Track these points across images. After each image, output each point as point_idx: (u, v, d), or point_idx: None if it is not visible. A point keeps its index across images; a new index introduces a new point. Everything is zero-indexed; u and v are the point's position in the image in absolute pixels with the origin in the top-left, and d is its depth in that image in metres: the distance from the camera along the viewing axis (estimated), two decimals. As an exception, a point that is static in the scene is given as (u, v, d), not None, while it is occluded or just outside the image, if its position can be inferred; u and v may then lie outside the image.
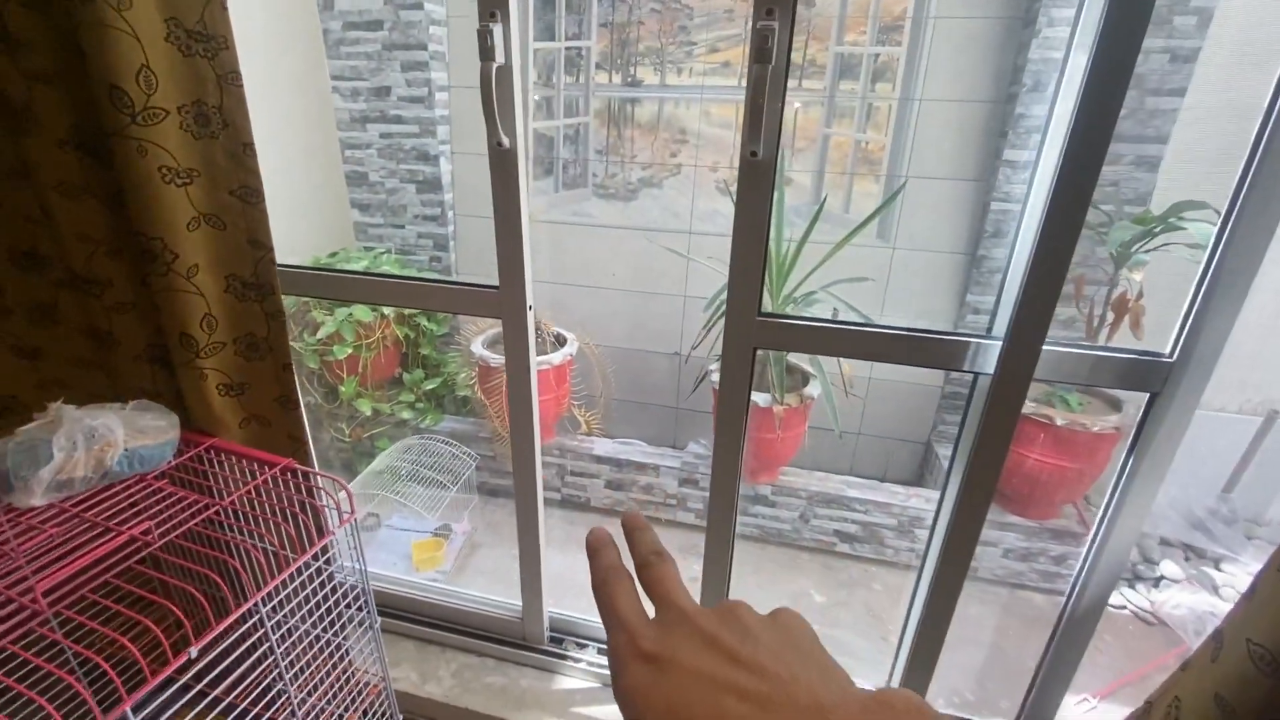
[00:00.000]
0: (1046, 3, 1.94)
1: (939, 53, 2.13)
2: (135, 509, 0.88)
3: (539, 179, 2.66)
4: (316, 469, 1.09)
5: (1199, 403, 0.97)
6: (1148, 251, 1.77)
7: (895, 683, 1.26)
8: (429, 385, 2.55)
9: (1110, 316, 1.83)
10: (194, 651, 0.72)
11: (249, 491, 0.95)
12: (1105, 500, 1.06)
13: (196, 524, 0.87)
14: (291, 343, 2.33)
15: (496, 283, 1.13)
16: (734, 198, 0.97)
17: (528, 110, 2.56)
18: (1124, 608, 2.05)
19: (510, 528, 1.33)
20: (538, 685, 1.43)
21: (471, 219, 2.71)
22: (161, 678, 0.69)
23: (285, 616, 0.97)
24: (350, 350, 2.31)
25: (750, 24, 0.87)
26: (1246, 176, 0.84)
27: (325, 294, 1.21)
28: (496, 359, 2.27)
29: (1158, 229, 1.73)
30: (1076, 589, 1.12)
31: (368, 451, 2.52)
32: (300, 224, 2.66)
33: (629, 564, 0.31)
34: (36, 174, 0.92)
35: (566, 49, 2.50)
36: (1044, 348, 0.92)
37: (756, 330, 1.04)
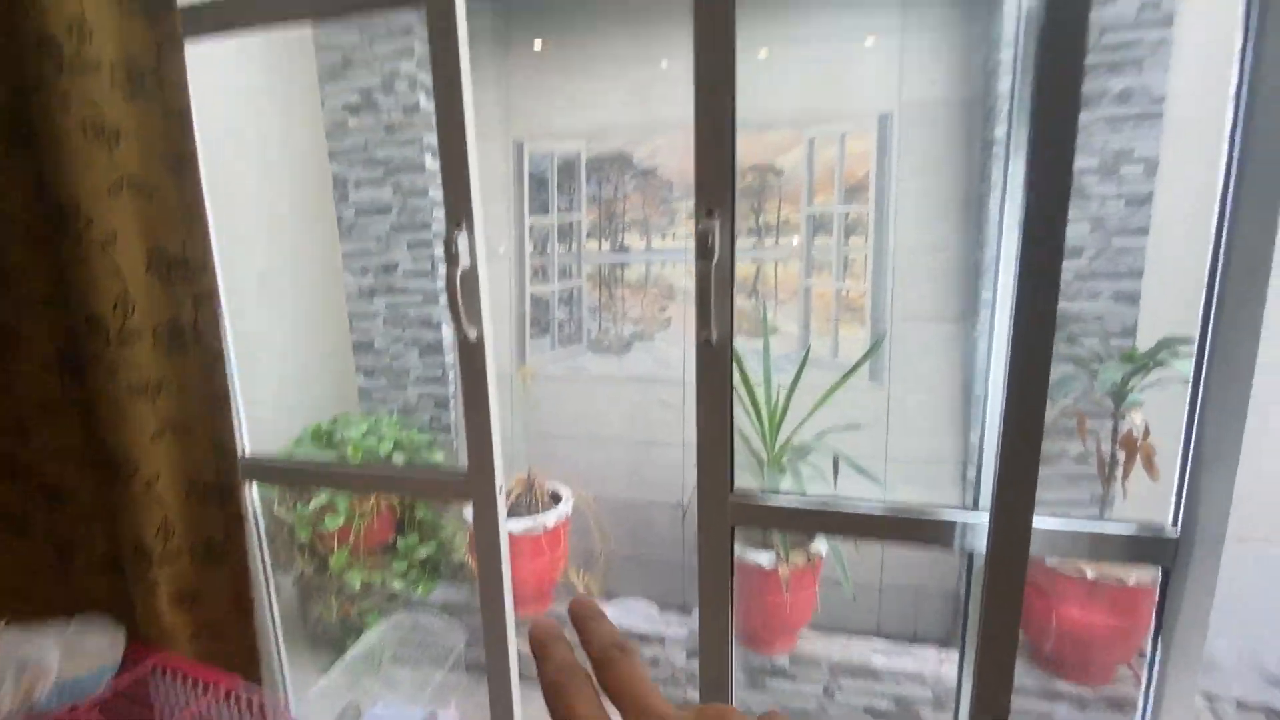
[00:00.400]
0: (995, 161, 2.08)
1: (904, 208, 2.26)
2: (52, 754, 0.80)
3: (536, 338, 2.75)
4: (276, 683, 1.01)
5: (1219, 566, 0.89)
6: (1142, 391, 1.73)
7: None
8: (423, 551, 2.46)
9: (1121, 455, 1.75)
10: None
11: (193, 717, 0.87)
12: (1146, 670, 0.93)
13: (114, 772, 0.78)
14: (284, 515, 2.25)
15: (465, 465, 1.12)
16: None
17: (525, 276, 2.72)
18: (1215, 794, 1.76)
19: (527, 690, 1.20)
20: None
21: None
22: None
23: None
24: (342, 520, 2.26)
25: (693, 223, 0.92)
26: (1209, 315, 0.83)
27: (298, 482, 1.20)
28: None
29: (1148, 366, 1.71)
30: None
31: (356, 627, 2.38)
32: (308, 391, 2.74)
33: (583, 660, 0.26)
34: (18, 393, 0.95)
35: (559, 223, 2.70)
36: (1036, 522, 0.85)
37: (730, 511, 0.99)
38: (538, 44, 2.60)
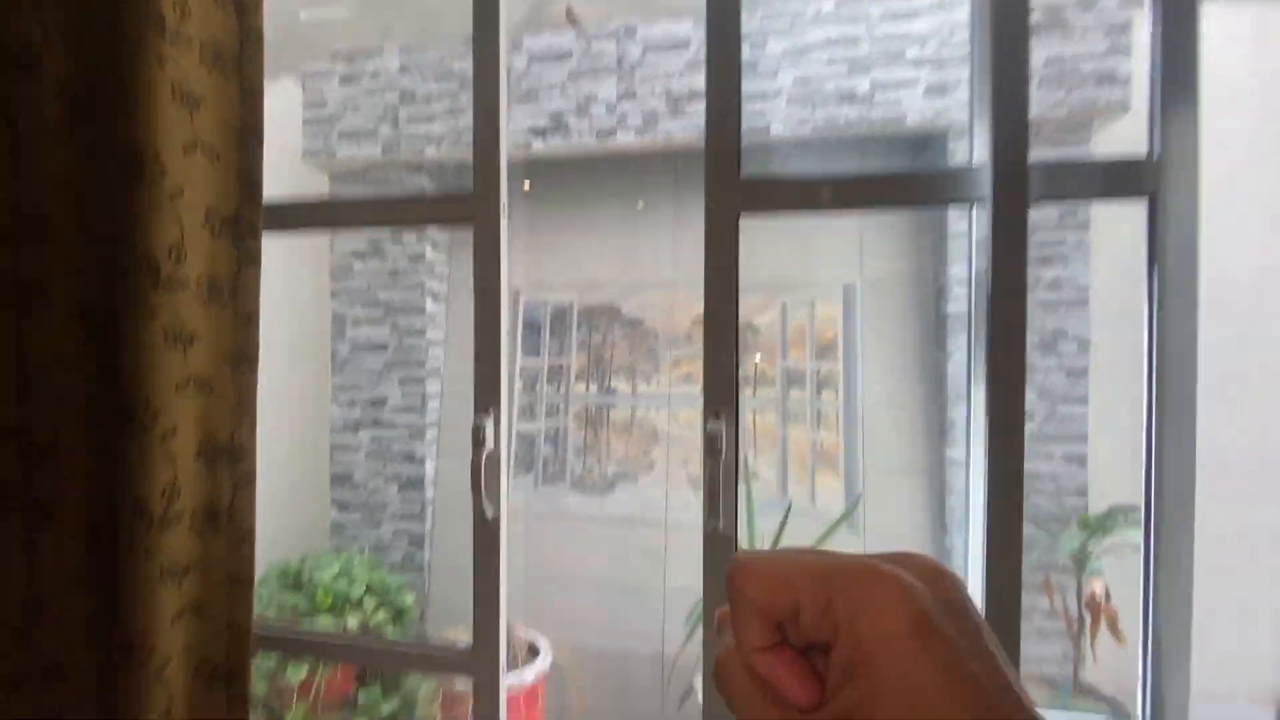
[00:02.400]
0: (950, 331, 2.33)
1: (870, 368, 2.47)
2: None
3: (519, 475, 2.78)
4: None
5: (1197, 690, 0.95)
6: (1101, 556, 1.85)
7: None
8: (386, 707, 2.31)
9: (1087, 616, 1.83)
10: None
11: None
12: None
13: None
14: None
15: (469, 640, 1.13)
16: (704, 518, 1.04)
17: (513, 414, 2.80)
18: None
19: None
20: None
21: (450, 516, 2.76)
22: None
23: None
24: (304, 672, 2.13)
25: (702, 421, 1.04)
26: (1150, 488, 0.94)
27: (296, 653, 1.18)
28: (465, 683, 2.10)
29: (1102, 532, 1.84)
30: None
31: (304, 799, 2.17)
32: (277, 523, 2.67)
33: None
34: None
35: (549, 366, 2.84)
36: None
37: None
38: (526, 184, 2.82)
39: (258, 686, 2.14)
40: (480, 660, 1.12)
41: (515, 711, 2.05)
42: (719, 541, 1.01)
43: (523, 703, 2.05)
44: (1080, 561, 1.83)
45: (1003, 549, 0.95)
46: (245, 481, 0.98)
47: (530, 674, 2.11)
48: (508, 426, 1.15)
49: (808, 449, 2.54)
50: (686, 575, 2.50)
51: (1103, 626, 1.80)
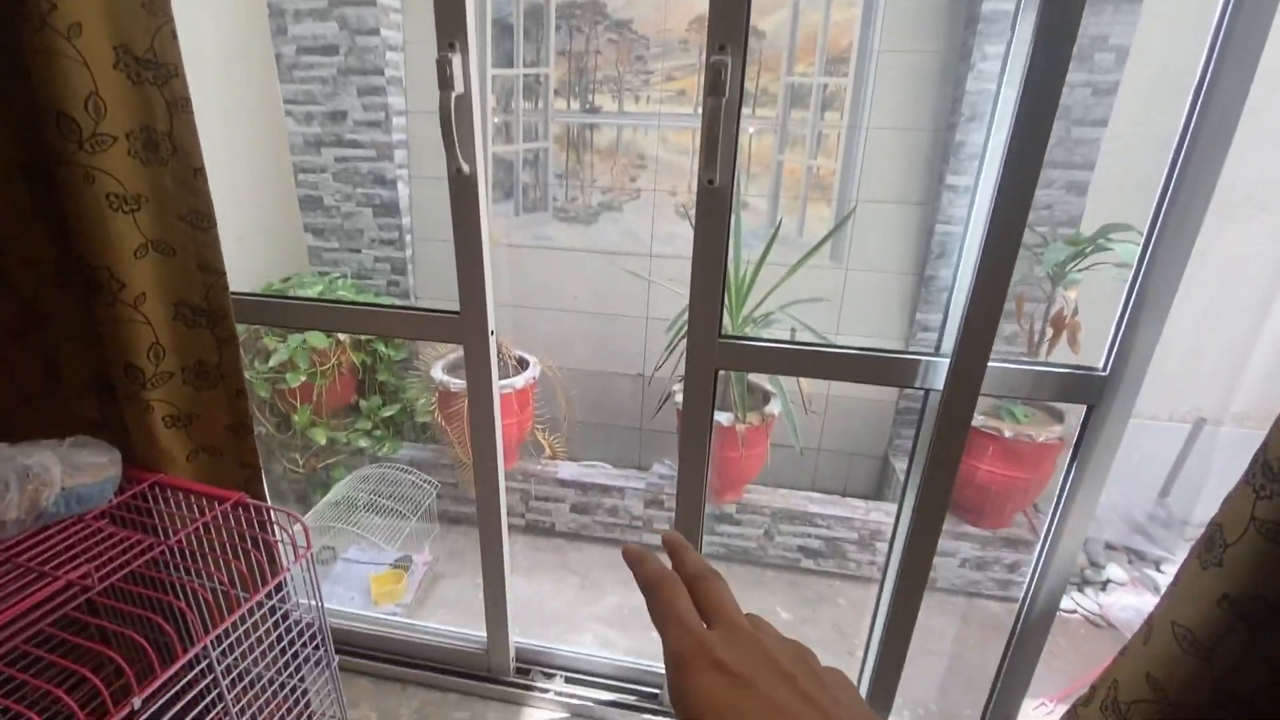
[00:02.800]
0: (980, 39, 2.06)
1: (883, 84, 2.24)
2: (73, 552, 0.83)
3: (499, 202, 2.66)
4: (268, 500, 1.06)
5: (1132, 411, 1.03)
6: (1080, 270, 1.87)
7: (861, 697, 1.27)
8: (387, 412, 2.50)
9: (1050, 332, 1.93)
10: (137, 703, 0.68)
11: (196, 529, 0.91)
12: (1052, 508, 1.11)
13: (139, 565, 0.82)
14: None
15: (457, 307, 1.13)
16: (692, 222, 0.99)
17: (487, 135, 2.57)
18: (1074, 612, 2.13)
19: (474, 556, 1.30)
20: (505, 719, 1.39)
21: (430, 243, 2.69)
22: (102, 733, 0.65)
23: (237, 659, 0.93)
24: (304, 378, 2.24)
25: (704, 56, 0.90)
26: (1163, 203, 0.91)
27: (281, 322, 1.19)
28: (457, 384, 2.23)
29: (1088, 249, 1.84)
30: (1029, 595, 1.16)
31: (323, 482, 2.44)
32: (253, 249, 2.59)
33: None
34: None
35: (525, 75, 2.52)
36: (989, 364, 0.96)
37: (718, 353, 1.06)
38: None
39: (260, 391, 2.25)
40: (468, 323, 1.13)
41: (508, 409, 2.22)
42: (713, 196, 0.95)
43: (515, 401, 2.22)
44: (1058, 276, 1.87)
45: (992, 276, 0.91)
46: (182, 105, 0.86)
47: (520, 381, 2.25)
48: (479, 70, 1.00)
49: (802, 176, 2.42)
50: (670, 305, 2.55)
51: (1063, 341, 1.90)
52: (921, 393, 1.09)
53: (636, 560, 0.31)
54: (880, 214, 2.34)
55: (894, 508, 2.27)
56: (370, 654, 1.48)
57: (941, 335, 1.07)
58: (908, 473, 1.16)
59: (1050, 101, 0.84)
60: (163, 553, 0.86)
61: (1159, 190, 0.92)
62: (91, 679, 0.67)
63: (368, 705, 1.41)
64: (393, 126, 2.46)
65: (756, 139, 2.44)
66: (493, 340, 1.14)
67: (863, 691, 1.28)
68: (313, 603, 0.98)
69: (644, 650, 1.38)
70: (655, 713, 1.38)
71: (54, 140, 0.80)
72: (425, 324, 1.15)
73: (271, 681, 0.98)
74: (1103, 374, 0.98)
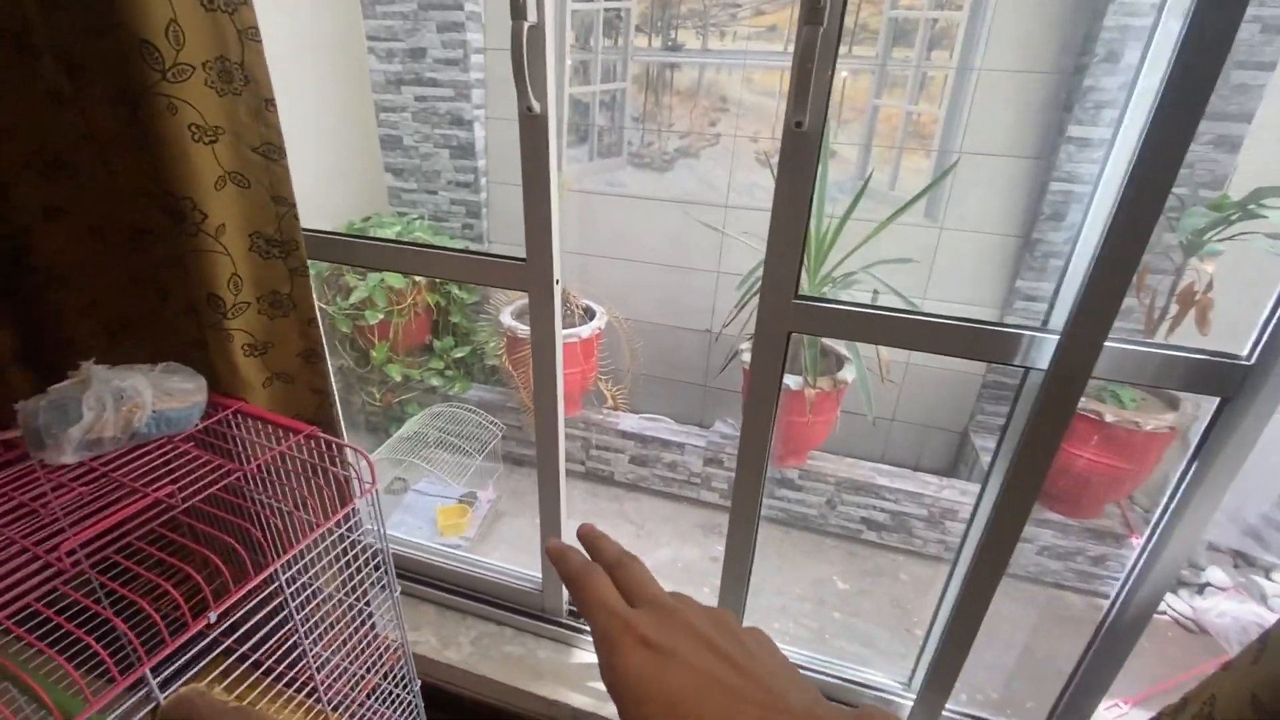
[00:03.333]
0: (1127, -37, 1.78)
1: (1003, 18, 1.98)
2: (160, 471, 0.89)
3: (573, 146, 2.60)
4: (341, 432, 1.09)
5: (1277, 409, 0.89)
6: (1222, 240, 1.64)
7: (919, 677, 1.22)
8: (458, 353, 2.56)
9: (1174, 309, 1.71)
10: (213, 616, 0.73)
11: (273, 458, 0.95)
12: (1163, 504, 0.99)
13: (219, 489, 0.87)
14: (325, 306, 2.33)
15: (524, 254, 1.10)
16: (774, 171, 0.91)
17: (564, 74, 2.49)
18: (1164, 613, 1.97)
19: (534, 497, 1.33)
20: (555, 657, 1.44)
21: (504, 186, 2.68)
22: (179, 643, 0.69)
23: (308, 581, 0.98)
24: (382, 315, 2.32)
25: (802, -20, 0.80)
26: None
27: (352, 261, 1.20)
28: (524, 330, 2.25)
29: (1235, 216, 1.60)
30: (1123, 594, 1.06)
31: (397, 416, 2.55)
32: (336, 187, 2.66)
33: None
34: (96, 133, 0.92)
35: (605, 10, 2.41)
36: (1106, 344, 0.84)
37: (792, 314, 0.98)
38: None
39: (340, 326, 2.35)
40: (534, 271, 1.10)
41: (572, 357, 2.23)
42: (800, 140, 0.86)
43: (579, 350, 2.22)
44: (1194, 245, 1.64)
45: (1123, 244, 0.77)
46: (251, 35, 0.85)
47: (585, 330, 2.24)
48: (556, 1, 0.93)
49: (900, 123, 2.21)
50: (743, 259, 2.44)
51: (1188, 320, 1.69)
52: (1013, 367, 0.98)
53: (558, 557, 0.32)
54: (986, 168, 2.12)
55: (969, 486, 2.14)
56: (432, 583, 1.56)
57: (1051, 308, 0.95)
58: (996, 452, 1.06)
59: (1225, 35, 0.69)
60: (241, 478, 0.90)
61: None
62: (173, 593, 0.71)
63: (429, 630, 1.49)
64: (470, 65, 2.43)
65: (851, 81, 2.24)
66: (558, 290, 1.11)
67: (921, 672, 1.22)
68: (378, 531, 1.02)
69: (699, 597, 1.39)
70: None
71: (141, 69, 0.81)
72: (491, 270, 1.13)
73: (340, 604, 1.03)
74: (1246, 363, 0.84)
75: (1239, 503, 2.18)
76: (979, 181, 2.14)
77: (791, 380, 1.99)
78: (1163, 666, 1.83)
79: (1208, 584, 2.02)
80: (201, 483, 0.87)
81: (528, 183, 1.02)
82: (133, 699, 0.72)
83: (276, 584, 0.83)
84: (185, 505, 0.83)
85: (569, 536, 1.39)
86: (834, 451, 2.29)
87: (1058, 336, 0.86)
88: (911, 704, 1.23)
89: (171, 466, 0.90)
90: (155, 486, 0.84)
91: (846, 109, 2.26)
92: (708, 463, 2.32)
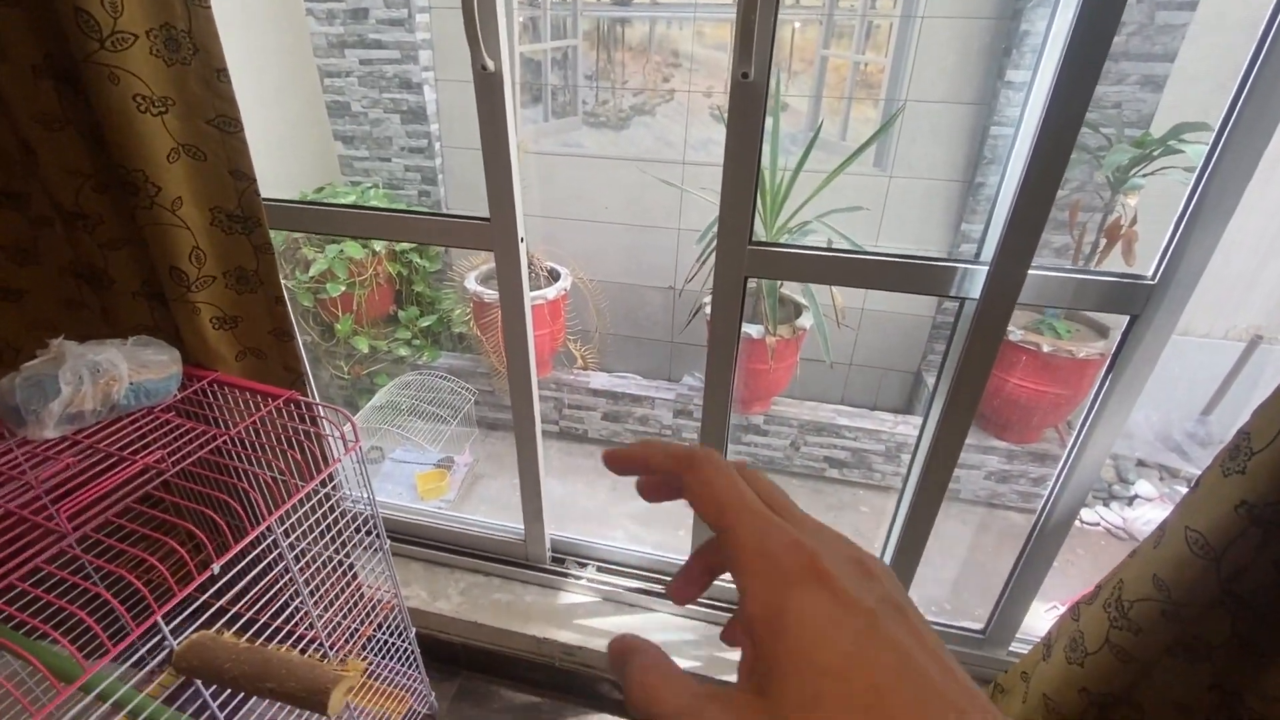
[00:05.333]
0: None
1: (944, -37, 2.03)
2: (145, 440, 0.91)
3: (527, 107, 2.57)
4: (317, 400, 1.12)
5: (1177, 325, 0.99)
6: (1145, 175, 1.75)
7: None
8: (424, 322, 2.56)
9: (1103, 243, 1.83)
10: (217, 568, 0.77)
11: (254, 422, 0.98)
12: (1081, 420, 1.10)
13: (206, 453, 0.90)
14: (285, 280, 2.31)
15: (487, 214, 1.13)
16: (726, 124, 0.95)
17: (513, 32, 2.45)
18: (1098, 524, 2.16)
19: (511, 459, 1.38)
20: (542, 600, 1.52)
21: (460, 151, 2.64)
22: (188, 591, 0.74)
23: (299, 538, 1.03)
24: (343, 288, 2.30)
25: (741, -67, 0.83)
26: (1241, 93, 0.83)
27: (313, 228, 1.21)
28: (490, 294, 2.27)
29: (1156, 152, 1.71)
30: (1049, 505, 1.18)
31: (368, 388, 2.56)
32: (283, 158, 2.59)
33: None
34: (12, 106, 0.90)
35: (552, -36, 2.37)
36: (1030, 272, 0.93)
37: (748, 259, 1.04)
38: None
39: (302, 300, 2.33)
40: (498, 229, 1.13)
41: (540, 319, 2.26)
42: (747, 91, 0.91)
43: (547, 312, 2.25)
44: (1119, 181, 1.75)
45: (1041, 177, 0.85)
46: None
47: (552, 292, 2.27)
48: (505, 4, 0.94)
49: (848, 73, 2.26)
50: (702, 215, 2.49)
51: (1115, 252, 1.81)
52: (957, 304, 1.07)
53: (639, 449, 0.25)
54: (930, 115, 2.19)
55: (920, 420, 2.28)
56: (419, 541, 1.61)
57: (983, 242, 1.03)
58: (936, 383, 1.16)
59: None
60: (226, 443, 0.93)
61: (1238, 79, 0.83)
62: (178, 549, 0.75)
63: (419, 585, 1.55)
64: (416, 25, 2.36)
65: (800, 33, 2.27)
66: (522, 247, 1.15)
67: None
68: (365, 494, 1.07)
69: (669, 545, 1.47)
70: (680, 601, 1.49)
71: (76, 39, 0.80)
72: (456, 230, 1.16)
73: (330, 559, 1.08)
74: (1150, 282, 0.94)
75: (1165, 421, 2.38)
76: (924, 129, 2.21)
77: (753, 329, 2.07)
78: (1097, 571, 2.02)
79: (1136, 495, 2.21)
80: (188, 449, 0.90)
81: (486, 142, 1.04)
82: (146, 647, 0.77)
83: (272, 538, 0.87)
84: (176, 469, 0.86)
85: (548, 492, 1.45)
86: (797, 396, 2.39)
87: (987, 267, 0.95)
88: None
89: (157, 435, 0.92)
90: (144, 454, 0.87)
91: (796, 60, 2.29)
92: (677, 414, 2.41)
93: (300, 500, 0.91)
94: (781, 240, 2.02)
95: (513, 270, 1.16)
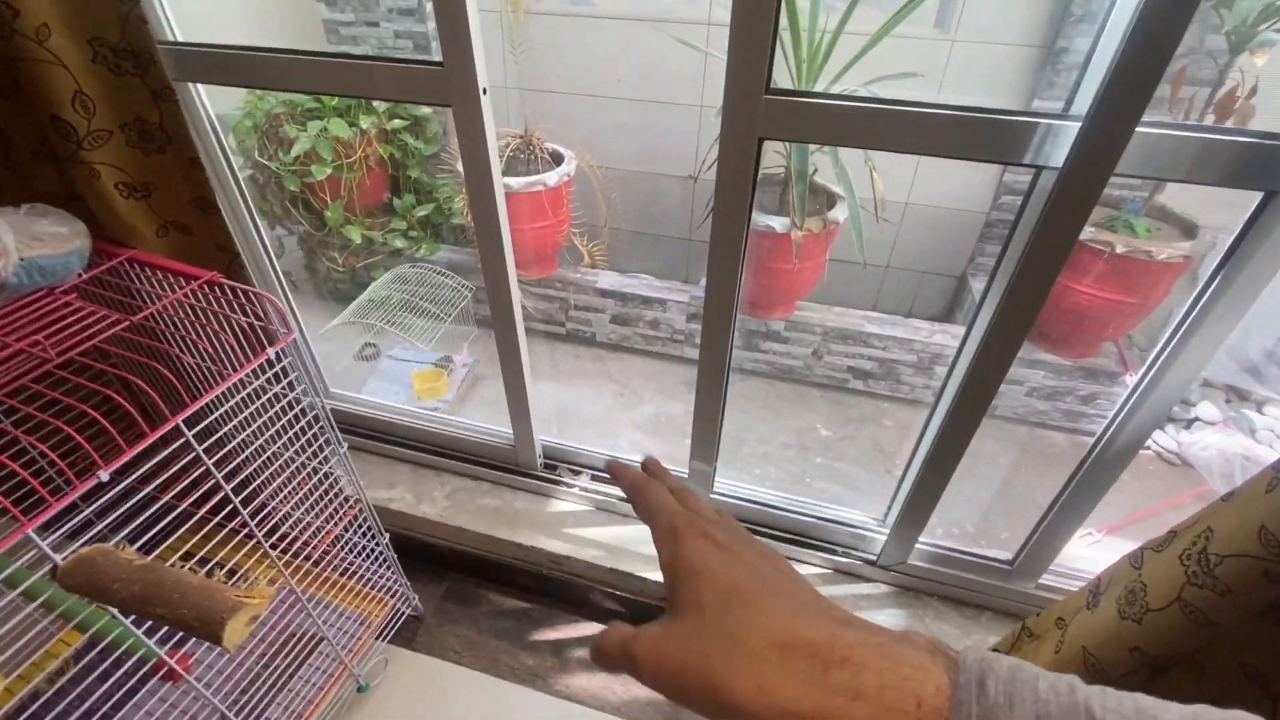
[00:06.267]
0: None
1: None
2: (36, 325, 0.78)
3: (530, -43, 2.21)
4: (251, 282, 0.97)
5: (1322, 208, 0.76)
6: (1278, 29, 1.39)
7: (895, 513, 1.21)
8: (421, 211, 2.37)
9: (1210, 118, 1.51)
10: (104, 475, 0.66)
11: (167, 306, 0.84)
12: (1167, 335, 0.89)
13: (103, 340, 0.77)
14: (265, 161, 2.09)
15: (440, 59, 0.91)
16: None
17: None
18: (1147, 447, 1.97)
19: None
20: (531, 508, 1.43)
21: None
22: (63, 504, 0.62)
23: (230, 433, 0.91)
24: (330, 170, 2.11)
25: None
26: None
27: (237, 80, 1.00)
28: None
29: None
30: (1111, 429, 1.00)
31: (364, 281, 2.42)
32: (261, 20, 2.32)
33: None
34: None
35: None
36: (1138, 129, 0.69)
37: (764, 114, 0.82)
38: None
39: (288, 185, 2.15)
40: (454, 76, 0.91)
41: (540, 209, 2.06)
42: None
43: (546, 201, 2.03)
44: (1242, 39, 1.40)
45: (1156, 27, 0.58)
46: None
47: (553, 178, 2.04)
48: None
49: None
50: (728, 90, 2.17)
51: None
52: (1018, 201, 0.84)
53: (621, 469, 0.36)
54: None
55: (960, 329, 2.06)
56: (408, 443, 1.52)
57: (1074, 92, 0.78)
58: (988, 286, 0.95)
59: None
60: (138, 328, 0.79)
61: None
62: (49, 453, 0.63)
63: (404, 488, 1.48)
64: None
65: None
66: (486, 100, 0.93)
67: (897, 508, 1.21)
68: (310, 383, 0.94)
69: (673, 455, 1.36)
70: (678, 514, 1.38)
71: None
72: (401, 79, 0.95)
73: (278, 457, 0.98)
74: (1307, 144, 0.70)
75: (1242, 338, 2.11)
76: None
77: (776, 222, 1.83)
78: (1141, 498, 1.86)
79: (1196, 419, 2.00)
80: (83, 335, 0.77)
81: (429, -47, 0.81)
82: (19, 562, 0.68)
83: (184, 439, 0.75)
84: (62, 358, 0.73)
85: (554, 398, 1.32)
86: (824, 301, 2.18)
87: (1079, 123, 0.71)
88: (885, 537, 1.23)
89: (47, 320, 0.79)
90: (22, 339, 0.74)
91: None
92: (690, 319, 2.23)
93: (223, 395, 0.78)
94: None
95: (475, 128, 0.95)
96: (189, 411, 0.73)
